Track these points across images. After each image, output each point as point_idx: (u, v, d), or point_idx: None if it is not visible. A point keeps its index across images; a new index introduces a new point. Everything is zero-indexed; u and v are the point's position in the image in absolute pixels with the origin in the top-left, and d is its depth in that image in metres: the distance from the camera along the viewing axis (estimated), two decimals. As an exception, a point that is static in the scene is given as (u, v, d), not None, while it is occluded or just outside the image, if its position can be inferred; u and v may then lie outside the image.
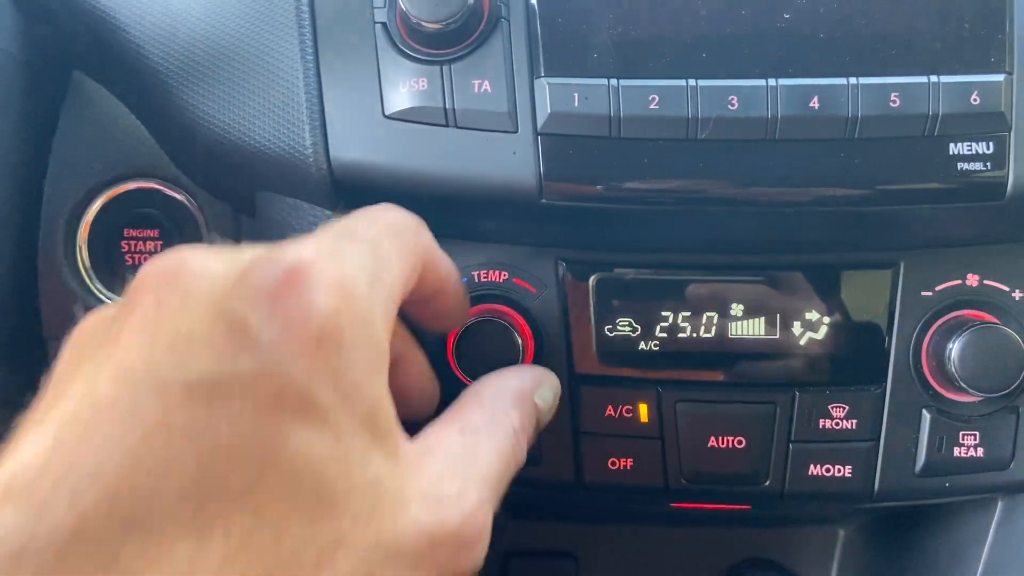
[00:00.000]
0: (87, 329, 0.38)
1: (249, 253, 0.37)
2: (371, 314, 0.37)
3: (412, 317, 0.49)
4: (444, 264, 0.47)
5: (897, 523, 0.73)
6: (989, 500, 0.63)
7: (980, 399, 0.58)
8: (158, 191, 0.65)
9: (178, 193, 0.65)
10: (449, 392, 0.51)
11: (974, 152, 0.51)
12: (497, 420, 0.45)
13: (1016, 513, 0.62)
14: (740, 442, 0.59)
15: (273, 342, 0.33)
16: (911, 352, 0.59)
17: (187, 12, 0.58)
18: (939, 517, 0.69)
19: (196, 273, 0.35)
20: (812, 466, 0.59)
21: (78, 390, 0.34)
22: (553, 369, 0.59)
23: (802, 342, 0.60)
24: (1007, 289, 0.58)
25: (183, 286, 0.35)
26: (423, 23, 0.52)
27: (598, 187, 0.53)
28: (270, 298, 0.34)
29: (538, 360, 0.60)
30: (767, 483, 0.60)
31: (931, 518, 0.70)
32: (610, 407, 0.60)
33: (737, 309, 0.60)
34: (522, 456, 0.46)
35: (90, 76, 0.65)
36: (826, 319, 0.59)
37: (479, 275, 0.61)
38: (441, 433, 0.43)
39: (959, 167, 0.51)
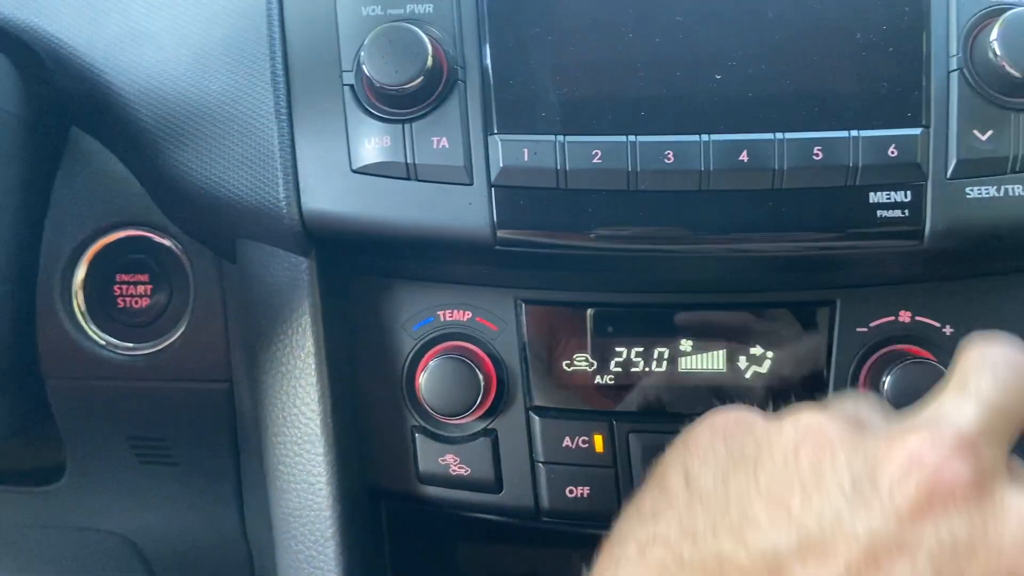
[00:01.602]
0: (732, 429, 0.45)
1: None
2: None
3: None
4: None
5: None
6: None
7: (914, 429, 0.61)
8: (148, 238, 0.69)
9: (167, 240, 0.69)
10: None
11: (893, 200, 0.55)
12: None
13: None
14: (690, 470, 0.63)
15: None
16: (849, 384, 0.62)
17: (174, 74, 0.63)
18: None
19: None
20: (758, 493, 0.63)
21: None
22: (513, 402, 0.64)
23: (747, 375, 0.63)
24: (938, 325, 0.62)
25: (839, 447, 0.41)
26: (386, 86, 0.57)
27: (547, 234, 0.58)
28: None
29: (500, 393, 0.64)
30: (716, 509, 0.63)
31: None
32: (567, 438, 0.64)
33: (686, 345, 0.64)
34: None
35: (86, 131, 0.70)
36: (770, 353, 0.63)
37: (444, 314, 0.65)
38: None
39: (879, 215, 0.55)
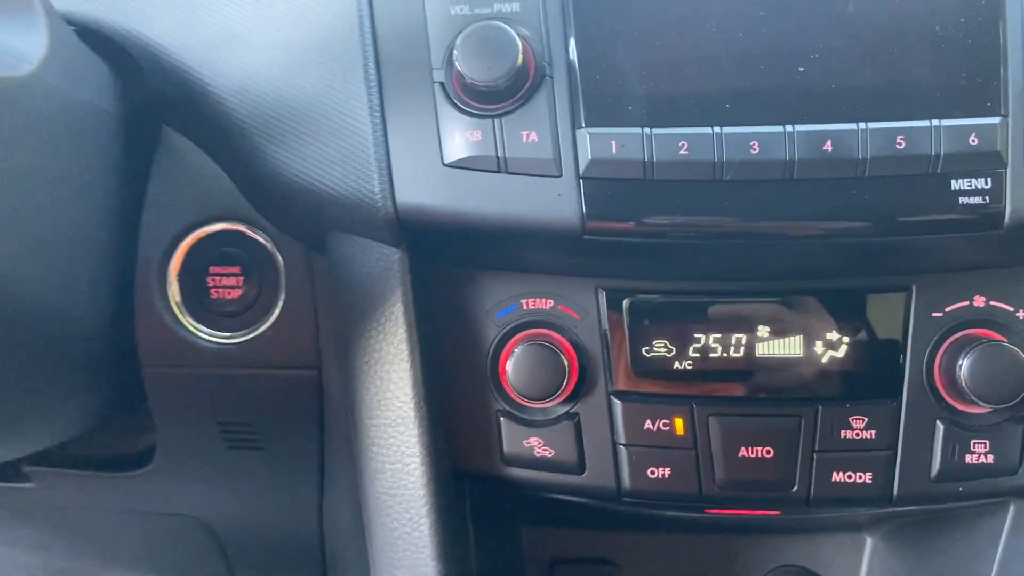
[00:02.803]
0: None
1: None
2: None
3: None
4: None
5: (922, 528, 0.78)
6: (1002, 504, 0.68)
7: (989, 410, 0.63)
8: (240, 232, 0.72)
9: (257, 234, 0.72)
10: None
11: (974, 187, 0.57)
12: None
13: (1028, 516, 0.67)
14: (768, 452, 0.65)
15: None
16: (924, 368, 0.64)
17: (268, 74, 0.65)
18: (959, 521, 0.74)
19: None
20: (835, 473, 0.65)
21: None
22: (594, 387, 0.66)
23: (824, 360, 0.65)
24: (1011, 309, 0.64)
25: None
26: (477, 82, 0.59)
27: (634, 224, 0.60)
28: None
29: (581, 378, 0.67)
30: (794, 489, 0.65)
31: (954, 522, 0.74)
32: (648, 421, 0.66)
33: (763, 330, 0.66)
34: None
35: (177, 130, 0.73)
36: (845, 338, 0.65)
37: (527, 303, 0.67)
38: None
39: (960, 201, 0.57)
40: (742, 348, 0.66)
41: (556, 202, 0.60)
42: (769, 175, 0.58)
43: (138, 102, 0.72)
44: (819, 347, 0.65)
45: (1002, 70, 0.57)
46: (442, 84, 0.62)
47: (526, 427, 0.68)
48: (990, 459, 0.64)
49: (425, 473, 0.65)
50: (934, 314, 0.64)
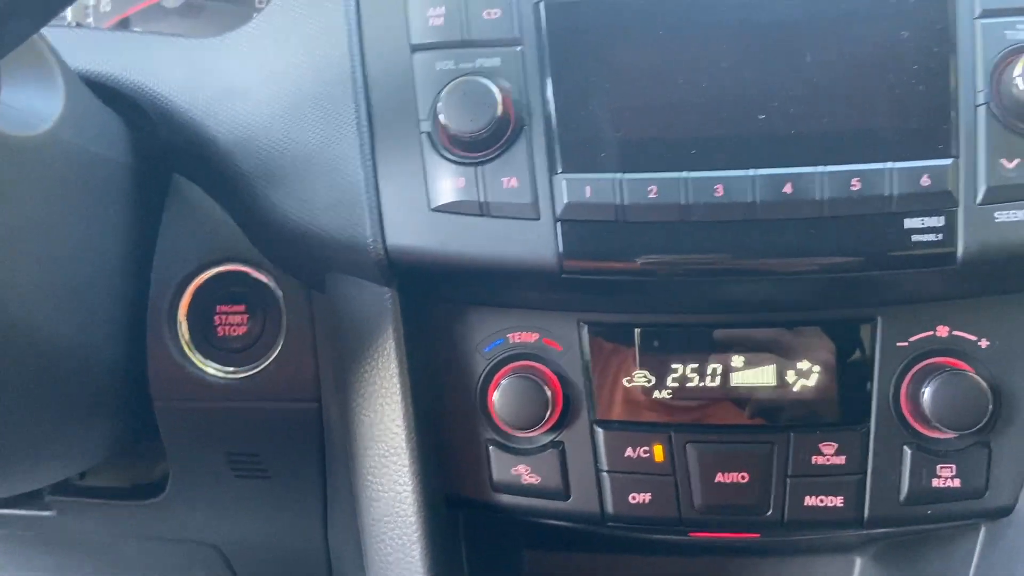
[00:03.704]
0: None
1: None
2: None
3: None
4: None
5: (910, 549, 0.80)
6: (974, 527, 0.71)
7: (954, 436, 0.66)
8: (245, 273, 0.77)
9: (261, 274, 0.77)
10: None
11: (927, 226, 0.60)
12: None
13: (997, 537, 0.70)
14: (744, 477, 0.68)
15: None
16: (891, 395, 0.67)
17: (268, 125, 0.70)
18: (940, 542, 0.76)
19: None
20: (808, 497, 0.68)
21: None
22: (578, 416, 0.70)
23: (795, 388, 0.69)
24: (974, 338, 0.67)
25: None
26: (460, 133, 0.63)
27: (608, 263, 0.64)
28: None
29: (566, 408, 0.70)
30: (769, 513, 0.69)
31: (934, 542, 0.77)
32: (629, 448, 0.70)
33: (738, 361, 0.69)
34: None
35: (187, 177, 0.78)
36: (816, 368, 0.68)
37: (514, 336, 0.71)
38: None
39: (914, 239, 0.60)
40: (718, 378, 0.69)
41: (535, 243, 0.64)
42: (734, 216, 0.61)
43: (150, 152, 0.77)
44: (790, 376, 0.69)
45: (952, 113, 0.61)
46: (429, 134, 0.66)
47: (514, 455, 0.72)
48: (956, 483, 0.67)
49: (416, 501, 0.68)
50: (899, 344, 0.67)
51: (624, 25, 0.63)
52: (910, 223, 0.61)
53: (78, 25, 0.96)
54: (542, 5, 0.65)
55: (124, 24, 0.98)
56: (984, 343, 0.67)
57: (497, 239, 0.64)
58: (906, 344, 0.67)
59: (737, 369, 0.69)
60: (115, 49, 0.75)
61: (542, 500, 0.72)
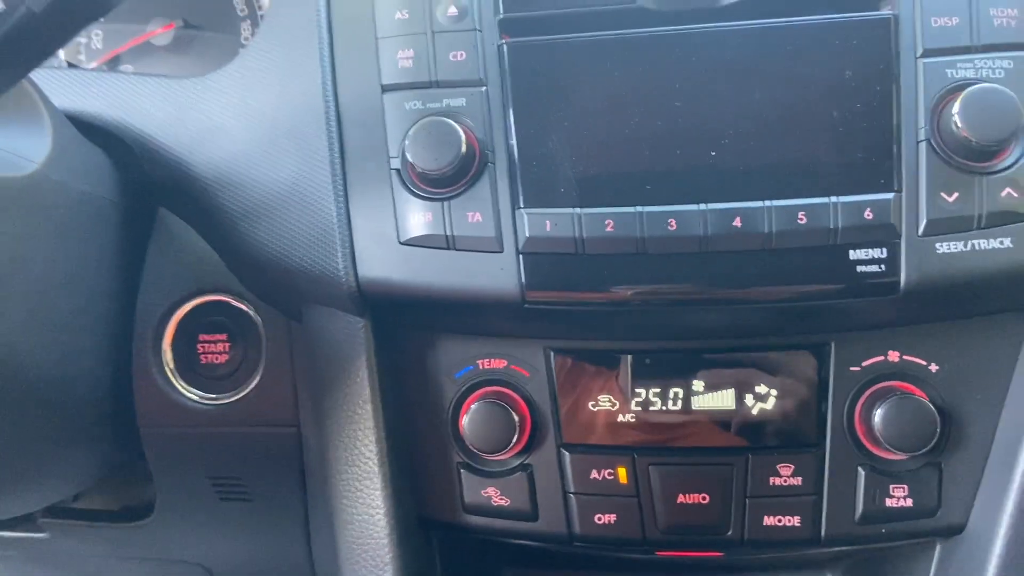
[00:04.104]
0: None
1: None
2: None
3: None
4: None
5: (877, 565, 0.82)
6: (930, 544, 0.73)
7: (906, 457, 0.68)
8: (227, 303, 0.80)
9: (243, 304, 0.80)
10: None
11: (871, 257, 0.63)
12: None
13: (952, 554, 0.72)
14: (704, 498, 0.71)
15: None
16: (845, 418, 0.70)
17: (247, 163, 0.73)
18: (902, 560, 0.78)
19: None
20: (766, 517, 0.70)
21: None
22: (545, 439, 0.72)
23: (753, 412, 0.71)
24: (924, 363, 0.69)
25: None
26: (427, 171, 0.67)
27: (569, 293, 0.66)
28: None
29: (533, 432, 0.73)
30: (730, 532, 0.71)
31: (899, 560, 0.79)
32: (594, 471, 0.72)
33: (698, 385, 0.72)
34: None
35: (171, 211, 0.81)
36: (773, 392, 0.71)
37: (483, 363, 0.74)
38: None
39: (858, 270, 0.63)
40: (679, 402, 0.72)
41: (499, 275, 0.67)
42: (687, 248, 0.64)
43: (136, 187, 0.80)
44: (749, 400, 0.71)
45: (895, 149, 0.64)
46: (398, 171, 0.69)
47: (484, 478, 0.74)
48: (909, 502, 0.69)
49: (389, 524, 0.71)
50: (852, 369, 0.70)
51: (581, 66, 0.67)
52: (855, 255, 0.63)
53: (70, 64, 0.99)
54: (505, 47, 0.68)
55: (115, 61, 1.01)
56: (934, 367, 0.69)
57: (463, 271, 0.67)
58: (859, 369, 0.70)
59: (697, 393, 0.72)
60: (101, 89, 0.78)
61: (511, 521, 0.74)
